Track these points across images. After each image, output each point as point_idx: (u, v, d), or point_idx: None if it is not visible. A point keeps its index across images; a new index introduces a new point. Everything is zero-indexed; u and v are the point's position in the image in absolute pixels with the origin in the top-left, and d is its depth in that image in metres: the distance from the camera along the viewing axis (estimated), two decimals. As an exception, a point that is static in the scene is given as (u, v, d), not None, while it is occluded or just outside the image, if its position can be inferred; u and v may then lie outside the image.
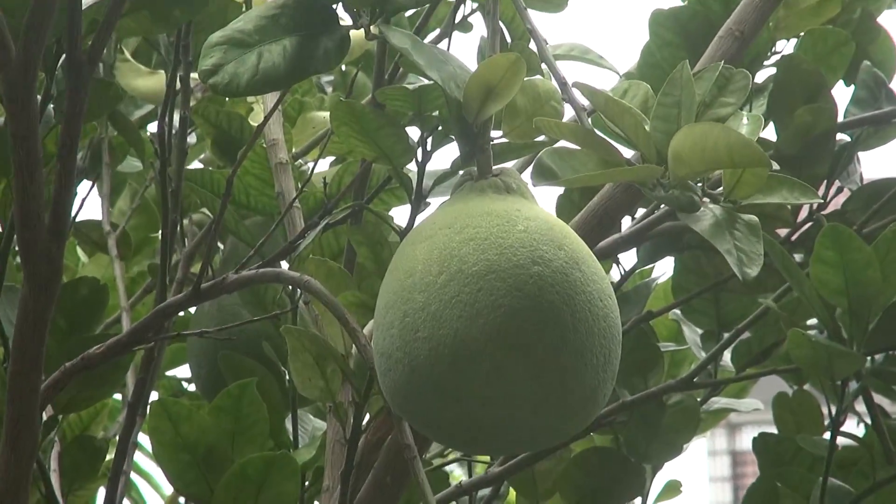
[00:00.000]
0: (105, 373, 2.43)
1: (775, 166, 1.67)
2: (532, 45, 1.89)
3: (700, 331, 2.34)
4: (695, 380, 2.29)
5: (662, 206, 2.16)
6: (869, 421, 2.19)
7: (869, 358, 2.09)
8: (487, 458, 2.62)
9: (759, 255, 1.65)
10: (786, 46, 2.27)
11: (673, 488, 2.64)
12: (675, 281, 2.31)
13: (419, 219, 2.05)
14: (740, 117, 1.75)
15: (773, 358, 2.23)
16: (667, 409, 2.31)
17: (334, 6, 1.74)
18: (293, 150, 2.70)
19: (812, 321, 2.10)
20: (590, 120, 1.75)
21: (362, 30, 1.75)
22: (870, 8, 2.29)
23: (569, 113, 1.85)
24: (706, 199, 1.72)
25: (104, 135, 2.56)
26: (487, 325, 1.50)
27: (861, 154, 2.29)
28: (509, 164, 1.90)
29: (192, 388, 2.91)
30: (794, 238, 2.21)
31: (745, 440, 17.78)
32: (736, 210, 1.70)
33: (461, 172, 1.74)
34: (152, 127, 2.55)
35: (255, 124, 2.58)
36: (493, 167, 1.66)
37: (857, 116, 2.17)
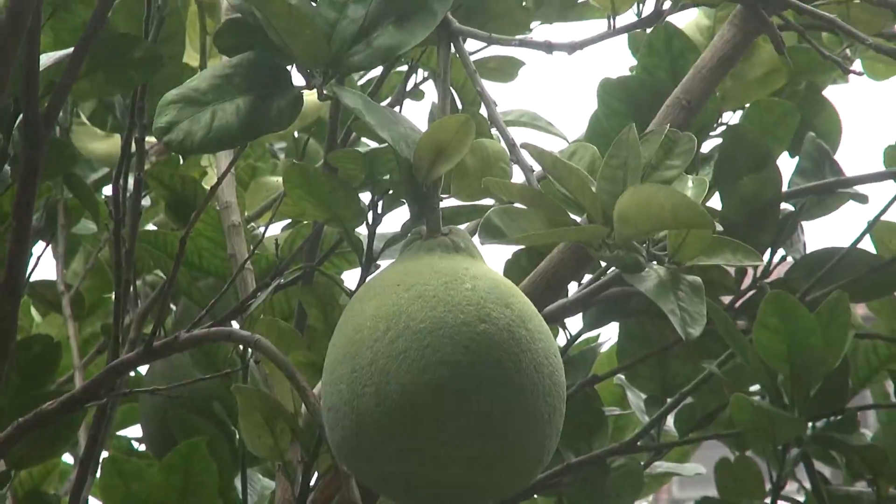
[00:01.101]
0: (58, 430, 2.46)
1: (719, 227, 1.66)
2: (483, 110, 1.86)
3: (644, 395, 2.35)
4: (638, 443, 2.29)
5: (609, 272, 2.20)
6: (809, 486, 2.22)
7: (810, 424, 2.10)
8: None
9: (702, 315, 1.66)
10: (732, 117, 2.29)
11: None
12: (620, 346, 2.31)
13: (367, 280, 1.97)
14: (686, 180, 1.74)
15: (715, 423, 2.25)
16: (610, 472, 2.30)
17: (288, 67, 1.73)
18: (246, 213, 2.73)
19: (755, 387, 2.11)
20: (538, 184, 1.75)
21: (315, 91, 1.77)
22: (815, 81, 2.32)
23: (518, 175, 1.80)
24: (651, 261, 1.73)
25: (59, 196, 2.54)
26: (433, 381, 1.49)
27: (804, 223, 2.30)
28: (461, 226, 1.84)
29: (142, 447, 2.90)
30: (737, 305, 2.22)
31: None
32: (680, 271, 1.70)
33: (411, 232, 1.73)
34: (107, 189, 2.55)
35: (209, 187, 2.55)
36: (442, 227, 1.64)
37: (801, 186, 2.18)
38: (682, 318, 1.65)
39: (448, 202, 1.78)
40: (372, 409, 1.52)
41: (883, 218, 2.19)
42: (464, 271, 1.57)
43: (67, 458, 2.91)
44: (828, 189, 2.23)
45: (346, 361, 1.56)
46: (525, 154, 1.70)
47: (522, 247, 2.22)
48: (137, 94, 2.26)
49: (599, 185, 1.62)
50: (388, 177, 2.04)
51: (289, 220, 2.78)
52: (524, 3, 2.41)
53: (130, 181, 2.31)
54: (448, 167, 1.65)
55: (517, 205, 1.70)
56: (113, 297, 2.47)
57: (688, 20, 2.31)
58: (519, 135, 1.80)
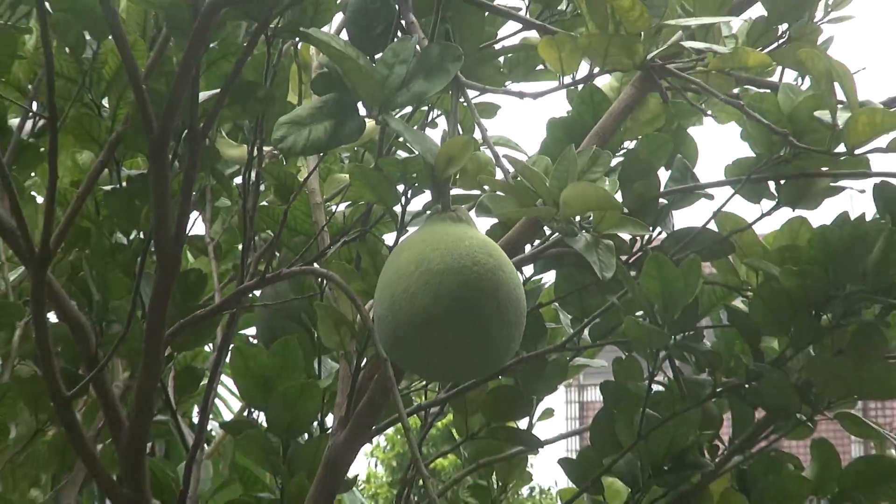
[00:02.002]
0: (204, 328, 2.45)
1: (624, 211, 1.76)
2: (476, 134, 1.95)
3: (570, 316, 2.36)
4: (566, 346, 2.30)
5: (551, 238, 2.19)
6: (671, 375, 2.22)
7: (673, 336, 2.11)
8: (436, 388, 2.61)
9: (613, 264, 1.76)
10: (630, 144, 2.29)
11: (548, 413, 2.61)
12: (556, 285, 2.31)
13: (402, 239, 2.09)
14: (604, 181, 1.80)
15: (614, 334, 2.24)
16: (547, 363, 2.31)
17: (356, 103, 1.72)
18: (323, 195, 2.69)
19: (640, 312, 2.11)
20: (513, 180, 1.77)
21: (372, 120, 1.77)
22: (683, 123, 2.32)
23: (499, 175, 1.82)
24: (582, 230, 1.76)
25: (207, 182, 2.58)
26: (443, 303, 1.53)
27: (673, 212, 2.27)
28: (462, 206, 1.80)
29: (254, 341, 2.89)
30: (631, 261, 2.20)
31: (590, 395, 18.04)
32: (599, 237, 1.75)
33: (430, 209, 1.79)
34: (237, 179, 2.57)
35: (301, 179, 2.61)
36: (451, 206, 1.66)
37: (671, 189, 2.16)
38: (600, 265, 1.75)
39: (455, 191, 1.85)
40: (405, 319, 1.57)
41: (723, 210, 2.20)
42: (464, 233, 1.60)
43: (208, 347, 2.92)
44: (688, 191, 2.21)
45: (389, 289, 1.61)
46: (505, 162, 1.73)
47: (498, 220, 2.17)
48: (258, 120, 2.24)
49: (551, 182, 1.67)
50: (414, 175, 2.08)
51: (350, 201, 2.75)
52: (501, 70, 2.43)
53: (252, 174, 2.32)
54: (456, 169, 1.68)
55: (499, 193, 1.74)
56: (240, 247, 2.49)
57: (605, 82, 2.32)
58: (499, 150, 1.86)
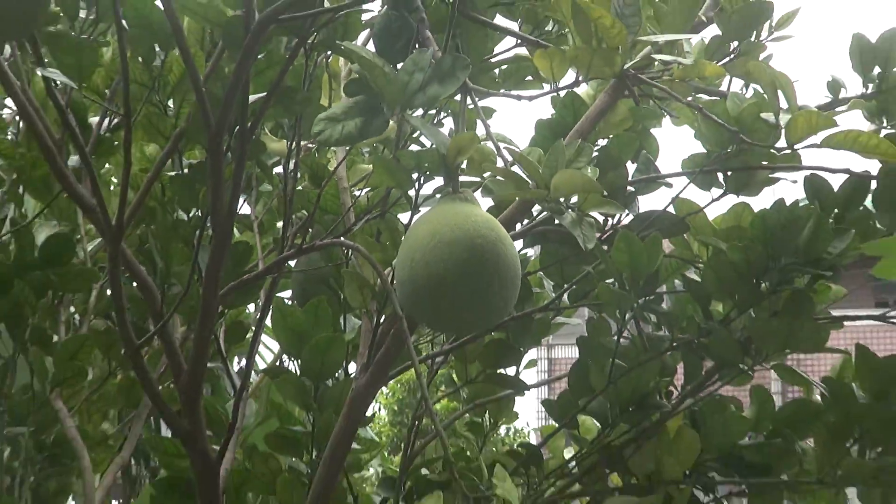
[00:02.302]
0: (249, 290, 2.51)
1: (605, 194, 1.76)
2: (480, 130, 1.93)
3: (553, 283, 2.39)
4: (549, 307, 2.34)
5: (538, 218, 2.24)
6: (636, 332, 2.24)
7: (638, 300, 2.14)
8: (441, 342, 2.65)
9: (594, 237, 1.77)
10: (604, 142, 2.28)
11: (532, 363, 2.67)
12: (541, 257, 2.34)
13: (415, 218, 2.03)
14: (587, 169, 1.82)
15: (589, 298, 2.29)
16: (533, 321, 2.36)
17: (382, 105, 1.76)
18: (350, 182, 2.69)
19: (610, 280, 2.15)
20: (512, 168, 1.79)
21: (394, 118, 1.79)
22: (646, 124, 2.32)
23: (500, 163, 1.83)
24: (569, 209, 1.78)
25: (253, 171, 2.56)
26: (453, 269, 1.58)
27: (640, 197, 2.33)
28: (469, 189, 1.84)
29: (289, 302, 2.90)
30: (603, 238, 2.25)
31: (557, 353, 18.09)
32: (583, 216, 1.76)
33: (441, 192, 1.78)
34: (278, 168, 2.61)
35: (331, 168, 2.61)
36: (459, 189, 1.70)
37: (637, 178, 2.21)
38: (583, 238, 1.77)
39: (462, 178, 1.80)
40: (421, 282, 1.62)
41: (679, 196, 2.24)
42: (471, 212, 1.64)
43: (251, 307, 2.96)
44: (650, 180, 2.25)
45: (408, 257, 1.64)
46: (504, 153, 1.77)
47: (494, 203, 2.19)
48: (297, 119, 2.24)
49: (543, 169, 1.70)
50: (426, 164, 2.01)
51: (372, 187, 2.75)
52: (496, 80, 2.43)
53: (291, 164, 2.32)
54: (464, 158, 1.72)
55: (500, 179, 1.79)
56: (280, 224, 2.59)
57: (582, 90, 2.31)
58: (500, 144, 1.88)
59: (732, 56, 2.17)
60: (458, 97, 1.99)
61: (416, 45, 1.86)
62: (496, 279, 1.64)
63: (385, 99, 1.74)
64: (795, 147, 2.07)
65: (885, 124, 2.26)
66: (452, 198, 1.70)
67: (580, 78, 1.99)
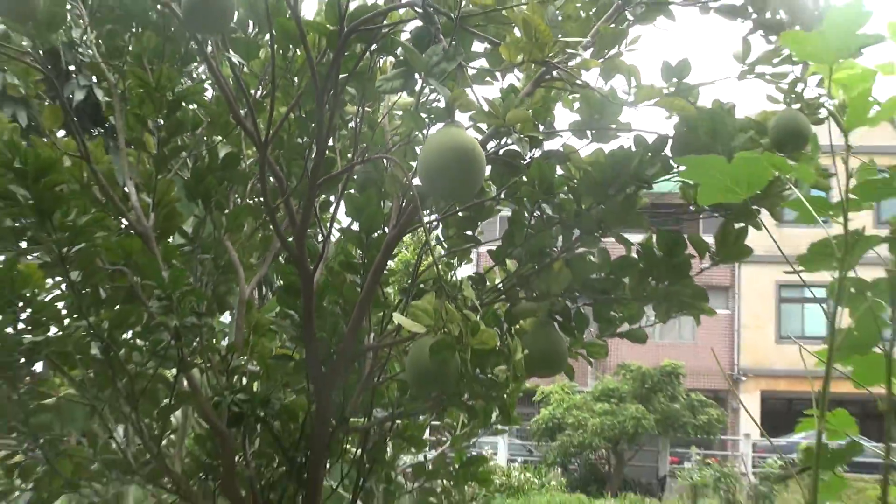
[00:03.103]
0: (333, 183, 2.48)
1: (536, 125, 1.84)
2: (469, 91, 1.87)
3: (495, 186, 2.29)
4: (494, 198, 2.29)
5: (492, 148, 2.16)
6: (540, 215, 2.23)
7: (541, 198, 2.15)
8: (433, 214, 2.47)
9: (527, 150, 1.90)
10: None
11: (481, 233, 2.57)
12: (490, 173, 2.25)
13: (431, 135, 1.92)
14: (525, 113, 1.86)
15: (515, 196, 2.25)
16: (485, 205, 2.32)
17: (414, 73, 1.88)
18: (390, 127, 2.69)
19: (527, 185, 2.18)
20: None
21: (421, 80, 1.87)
22: (549, 104, 2.29)
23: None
24: (514, 133, 1.91)
25: (337, 121, 2.42)
26: (449, 160, 1.69)
27: (545, 143, 2.29)
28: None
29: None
30: (527, 163, 2.22)
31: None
32: (522, 136, 1.89)
33: (442, 123, 1.83)
34: (351, 124, 2.62)
35: (379, 119, 2.60)
36: (455, 120, 1.77)
37: (544, 132, 2.19)
38: (523, 149, 1.94)
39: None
40: (434, 170, 1.71)
41: (566, 143, 2.21)
42: (460, 132, 1.73)
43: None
44: (550, 133, 2.24)
45: (425, 157, 1.73)
46: (483, 101, 1.83)
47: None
48: (362, 92, 2.29)
49: (502, 109, 1.81)
50: (433, 115, 2.15)
51: (402, 129, 2.63)
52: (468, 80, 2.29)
53: (359, 119, 2.37)
54: (458, 103, 1.79)
55: (478, 114, 1.86)
56: (352, 150, 2.51)
57: (517, 84, 2.26)
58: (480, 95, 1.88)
59: (605, 57, 2.13)
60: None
61: (434, 43, 1.87)
62: (472, 168, 1.74)
63: (417, 69, 1.83)
64: (638, 106, 2.06)
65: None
66: (450, 125, 1.77)
67: (521, 61, 1.94)
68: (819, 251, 1.53)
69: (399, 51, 2.12)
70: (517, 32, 1.92)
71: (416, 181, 1.98)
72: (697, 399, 15.92)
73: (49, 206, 2.02)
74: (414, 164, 2.28)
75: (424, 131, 2.22)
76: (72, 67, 3.00)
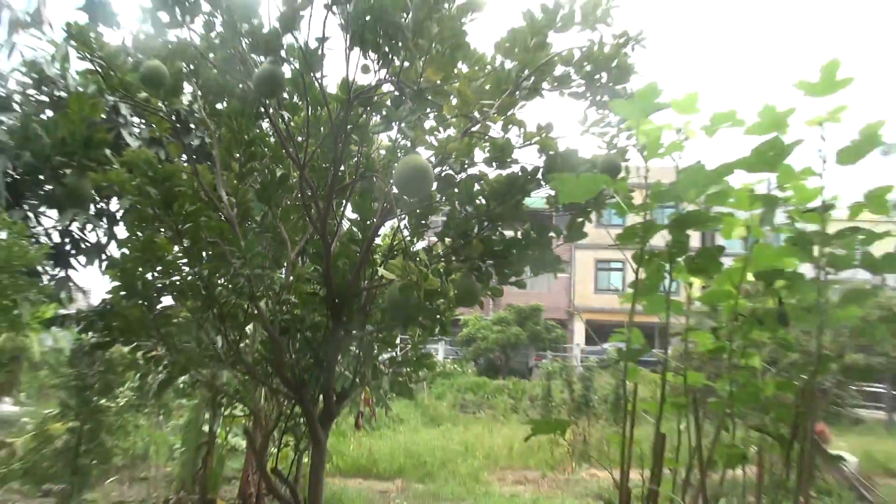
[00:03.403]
0: (344, 190, 2.63)
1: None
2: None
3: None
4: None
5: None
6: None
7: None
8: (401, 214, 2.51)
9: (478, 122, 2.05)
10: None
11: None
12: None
13: (399, 161, 1.99)
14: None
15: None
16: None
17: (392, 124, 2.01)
18: (377, 154, 2.75)
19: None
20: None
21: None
22: (475, 144, 2.32)
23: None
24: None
25: (347, 153, 2.48)
26: (412, 174, 1.76)
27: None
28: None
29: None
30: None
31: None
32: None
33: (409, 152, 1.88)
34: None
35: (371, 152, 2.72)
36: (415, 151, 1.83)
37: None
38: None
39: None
40: (403, 180, 1.78)
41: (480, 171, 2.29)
42: (419, 157, 1.79)
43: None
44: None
45: (397, 175, 1.80)
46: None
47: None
48: (361, 143, 2.47)
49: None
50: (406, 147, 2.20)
51: (385, 156, 2.62)
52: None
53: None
54: (420, 137, 1.91)
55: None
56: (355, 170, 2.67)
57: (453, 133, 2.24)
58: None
59: (505, 116, 2.19)
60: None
61: (404, 104, 1.99)
62: (426, 179, 1.81)
63: (393, 119, 2.02)
64: (523, 147, 2.22)
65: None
66: (413, 154, 1.90)
67: (456, 115, 2.06)
68: (629, 233, 1.77)
69: (383, 111, 2.33)
70: (453, 100, 2.19)
71: (394, 189, 2.10)
72: (550, 324, 21.88)
73: (170, 199, 2.37)
74: (391, 179, 2.24)
75: (397, 160, 2.29)
76: (187, 122, 3.14)
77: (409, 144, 2.08)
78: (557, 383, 14.15)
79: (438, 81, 2.12)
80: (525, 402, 15.30)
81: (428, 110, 2.22)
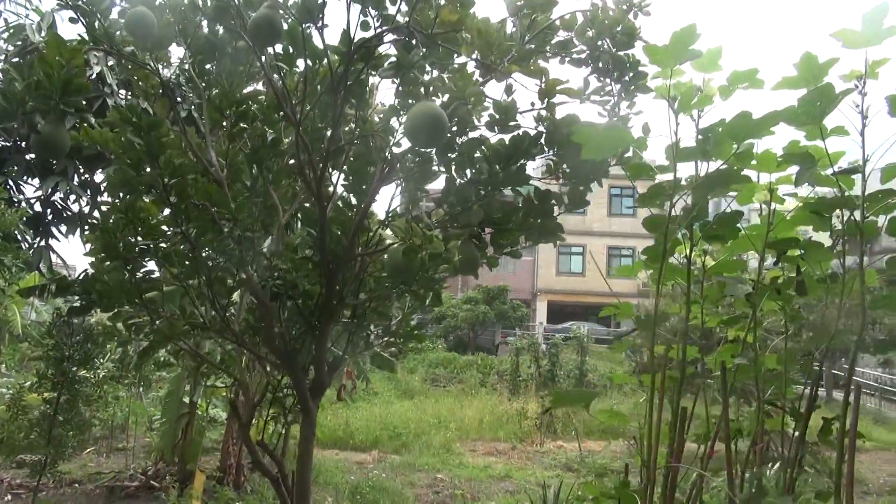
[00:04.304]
0: (340, 151, 2.49)
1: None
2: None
3: None
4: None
5: None
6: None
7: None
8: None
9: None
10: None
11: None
12: None
13: (410, 109, 1.93)
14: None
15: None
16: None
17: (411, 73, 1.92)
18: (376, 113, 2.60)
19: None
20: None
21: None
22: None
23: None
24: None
25: (344, 112, 2.32)
26: (424, 122, 1.69)
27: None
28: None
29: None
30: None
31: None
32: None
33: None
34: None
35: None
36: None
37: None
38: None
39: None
40: (416, 127, 1.70)
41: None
42: (433, 104, 1.75)
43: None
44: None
45: (409, 121, 1.72)
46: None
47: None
48: (359, 99, 2.36)
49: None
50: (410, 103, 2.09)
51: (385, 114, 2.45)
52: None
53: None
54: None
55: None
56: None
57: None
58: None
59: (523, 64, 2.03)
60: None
61: (415, 49, 1.86)
62: (441, 125, 1.74)
63: (404, 66, 1.93)
64: (524, 114, 2.07)
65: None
66: (425, 101, 1.85)
67: (474, 57, 1.92)
68: (655, 191, 1.65)
69: (389, 61, 2.15)
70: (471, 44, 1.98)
71: (395, 149, 2.11)
72: (516, 304, 22.91)
73: (156, 151, 2.13)
74: (392, 141, 2.34)
75: (399, 118, 2.28)
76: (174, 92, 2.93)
77: (421, 91, 1.93)
78: (525, 359, 14.23)
79: (454, 23, 1.95)
80: (493, 377, 15.39)
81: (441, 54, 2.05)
